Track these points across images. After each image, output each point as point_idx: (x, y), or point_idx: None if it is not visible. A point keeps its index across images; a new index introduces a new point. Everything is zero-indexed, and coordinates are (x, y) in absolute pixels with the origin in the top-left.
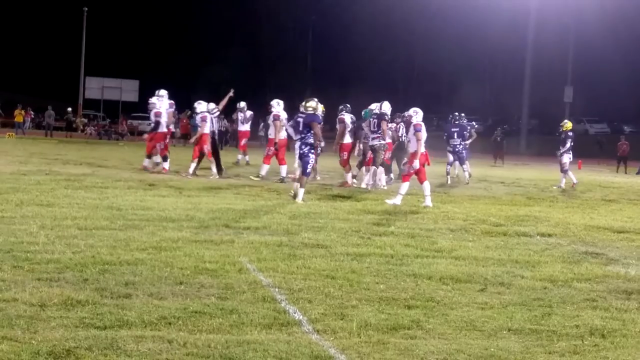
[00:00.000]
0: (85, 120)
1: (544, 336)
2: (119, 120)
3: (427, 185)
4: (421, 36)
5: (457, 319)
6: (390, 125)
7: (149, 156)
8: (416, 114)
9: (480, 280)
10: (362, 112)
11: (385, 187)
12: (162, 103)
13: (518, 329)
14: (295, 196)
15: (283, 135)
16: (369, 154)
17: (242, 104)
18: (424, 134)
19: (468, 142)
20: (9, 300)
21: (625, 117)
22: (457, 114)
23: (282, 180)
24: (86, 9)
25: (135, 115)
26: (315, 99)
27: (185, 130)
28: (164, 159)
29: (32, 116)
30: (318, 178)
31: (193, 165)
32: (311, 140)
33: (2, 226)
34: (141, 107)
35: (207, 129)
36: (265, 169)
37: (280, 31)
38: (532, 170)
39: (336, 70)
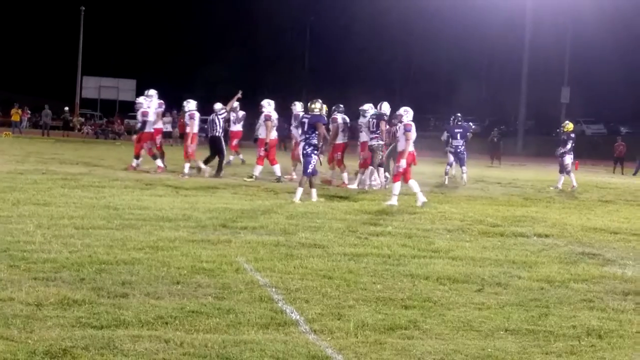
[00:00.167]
0: (82, 120)
1: (541, 337)
2: (114, 119)
3: (412, 183)
4: (419, 36)
5: (454, 319)
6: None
7: (137, 156)
8: (407, 113)
9: (478, 280)
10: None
11: (378, 187)
12: (150, 103)
13: (515, 329)
14: (312, 196)
15: (274, 135)
16: (362, 155)
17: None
18: (413, 134)
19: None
20: (5, 299)
21: (622, 118)
22: (459, 114)
23: (278, 179)
24: (84, 8)
25: (133, 115)
26: (320, 101)
27: (183, 130)
28: (154, 157)
29: (29, 115)
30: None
31: (187, 165)
32: (315, 141)
33: None
34: None
35: (195, 127)
36: (258, 169)
37: (278, 31)
38: (528, 171)
39: (334, 70)
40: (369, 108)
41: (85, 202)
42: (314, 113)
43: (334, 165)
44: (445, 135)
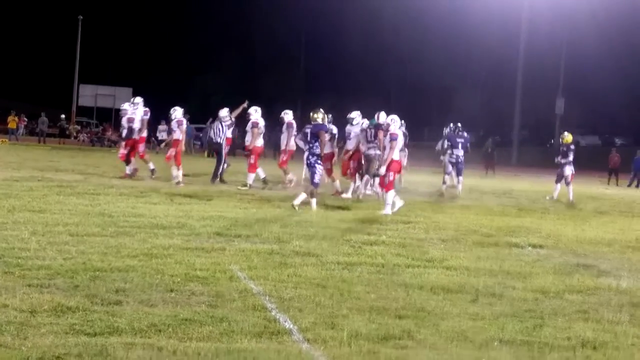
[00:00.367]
0: (78, 127)
1: (535, 348)
2: (105, 127)
3: (390, 194)
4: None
5: (448, 329)
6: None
7: (127, 163)
8: (393, 122)
9: (472, 290)
10: (370, 120)
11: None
12: (136, 110)
13: (509, 340)
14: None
15: (260, 143)
16: (352, 164)
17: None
18: (399, 143)
19: None
20: None
21: (617, 130)
22: (459, 124)
23: (246, 185)
24: (81, 17)
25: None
26: (321, 110)
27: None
28: (127, 162)
29: (26, 123)
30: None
31: (180, 172)
32: (318, 151)
33: None
34: None
35: (180, 134)
36: (251, 177)
37: (274, 39)
38: (523, 181)
39: (330, 78)
40: (356, 116)
41: (80, 210)
42: (317, 122)
43: (333, 177)
44: (440, 145)
